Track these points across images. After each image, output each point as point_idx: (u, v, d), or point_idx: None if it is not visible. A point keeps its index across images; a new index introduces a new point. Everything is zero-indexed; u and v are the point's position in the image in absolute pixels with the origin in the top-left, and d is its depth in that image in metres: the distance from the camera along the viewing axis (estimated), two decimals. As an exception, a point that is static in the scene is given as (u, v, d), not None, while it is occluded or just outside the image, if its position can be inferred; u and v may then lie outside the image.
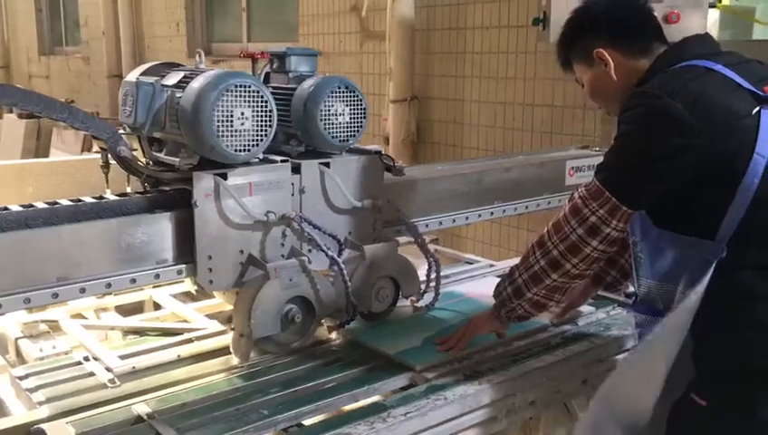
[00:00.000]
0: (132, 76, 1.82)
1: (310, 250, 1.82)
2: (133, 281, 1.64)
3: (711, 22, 3.27)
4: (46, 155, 7.53)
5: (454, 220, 2.27)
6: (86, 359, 1.78)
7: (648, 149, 1.46)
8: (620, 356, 1.92)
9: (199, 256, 1.67)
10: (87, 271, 1.58)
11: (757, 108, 1.41)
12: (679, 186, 1.45)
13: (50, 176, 3.84)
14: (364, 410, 1.59)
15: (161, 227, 1.66)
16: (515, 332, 1.92)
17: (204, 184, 1.64)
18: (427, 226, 2.18)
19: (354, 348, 1.87)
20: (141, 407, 1.55)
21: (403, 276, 1.97)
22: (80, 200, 1.65)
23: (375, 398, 1.66)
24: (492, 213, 2.39)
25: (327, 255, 1.78)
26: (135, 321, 2.08)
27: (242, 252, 1.74)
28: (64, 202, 1.64)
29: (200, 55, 1.81)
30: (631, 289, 2.16)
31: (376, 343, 1.87)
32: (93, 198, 1.67)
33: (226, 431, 1.46)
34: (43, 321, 2.02)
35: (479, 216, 2.35)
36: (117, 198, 1.68)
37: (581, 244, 1.56)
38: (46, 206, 1.59)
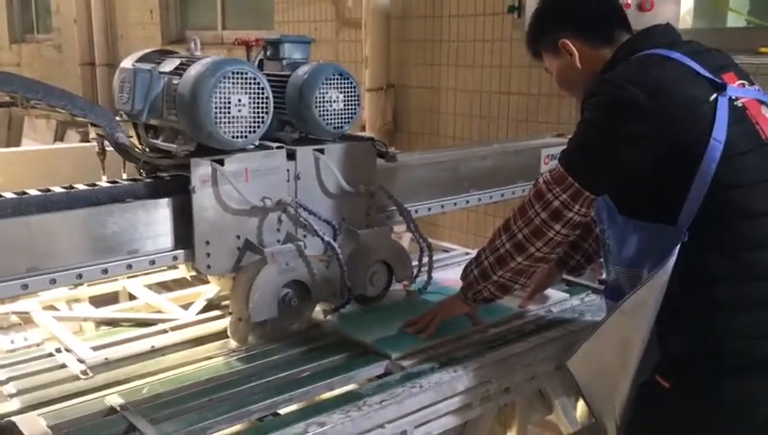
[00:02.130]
0: (127, 63, 1.82)
1: (305, 235, 1.84)
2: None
3: (686, 9, 3.29)
4: (18, 144, 7.40)
5: (429, 209, 2.27)
6: (58, 350, 1.77)
7: (609, 136, 1.49)
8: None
9: (197, 241, 1.68)
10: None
11: (714, 95, 1.44)
12: (641, 172, 1.48)
13: (20, 165, 3.78)
14: (339, 398, 1.59)
15: (159, 214, 1.66)
16: (491, 319, 1.94)
17: (201, 170, 1.66)
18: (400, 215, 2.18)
19: (331, 336, 1.87)
20: (114, 398, 1.54)
21: (396, 261, 2.01)
22: (72, 187, 1.64)
23: (351, 386, 1.66)
24: (467, 201, 2.39)
25: (323, 240, 1.80)
26: (108, 312, 2.05)
27: (239, 237, 1.75)
28: (80, 186, 1.64)
29: (195, 42, 1.81)
30: (604, 276, 2.20)
31: (352, 331, 1.87)
32: (88, 184, 1.66)
33: (200, 421, 1.46)
34: (14, 312, 1.99)
35: (455, 204, 2.35)
36: (112, 184, 1.69)
37: (545, 228, 1.59)
38: (40, 193, 1.59)
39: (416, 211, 2.22)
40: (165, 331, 1.88)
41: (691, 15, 3.40)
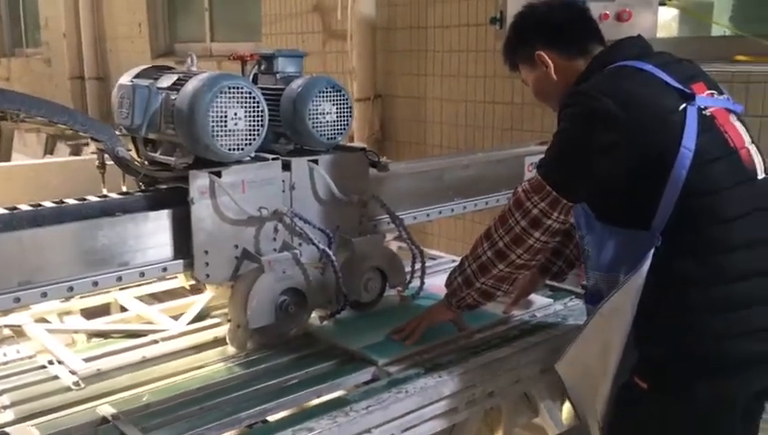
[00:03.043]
0: (125, 79, 1.88)
1: (300, 244, 1.89)
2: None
3: (671, 16, 3.36)
4: (8, 158, 7.40)
5: (415, 217, 2.31)
6: (50, 362, 1.80)
7: (584, 145, 1.54)
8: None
9: (196, 251, 1.73)
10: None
11: (684, 105, 1.50)
12: (615, 180, 1.53)
13: (10, 180, 3.80)
14: (327, 404, 1.62)
15: (160, 225, 1.71)
16: (476, 324, 1.98)
17: (199, 182, 1.71)
18: (389, 223, 2.22)
19: (317, 344, 1.90)
20: (106, 408, 1.57)
21: (390, 267, 2.06)
22: (63, 202, 1.69)
23: (338, 393, 1.69)
24: (452, 210, 2.43)
25: (318, 248, 1.84)
26: (99, 324, 2.08)
27: (236, 246, 1.80)
28: (70, 201, 1.69)
29: (192, 58, 1.86)
30: (586, 282, 2.25)
31: (339, 338, 1.91)
32: (78, 199, 1.71)
33: (190, 429, 1.49)
34: (6, 326, 2.02)
35: (440, 212, 2.40)
36: (102, 198, 1.74)
37: (525, 235, 1.63)
38: (31, 208, 1.63)
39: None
40: (156, 341, 1.92)
41: (676, 22, 3.47)
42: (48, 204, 1.68)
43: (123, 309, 2.26)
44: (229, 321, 1.84)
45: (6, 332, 2.02)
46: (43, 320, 2.11)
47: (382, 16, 4.18)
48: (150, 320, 2.11)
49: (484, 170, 2.51)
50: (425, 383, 1.70)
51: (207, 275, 1.76)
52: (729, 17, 3.37)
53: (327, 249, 1.84)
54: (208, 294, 2.18)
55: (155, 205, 1.72)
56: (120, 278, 1.69)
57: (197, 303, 2.16)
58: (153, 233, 1.70)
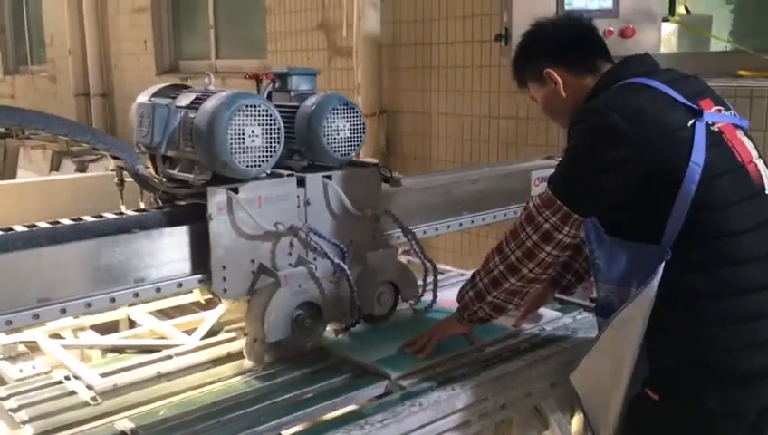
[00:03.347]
0: (144, 98, 1.92)
1: (315, 258, 1.92)
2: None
3: (670, 31, 3.39)
4: (13, 175, 7.44)
5: (424, 232, 2.33)
6: (67, 378, 1.81)
7: (594, 161, 1.57)
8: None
9: (214, 266, 1.76)
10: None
11: (692, 120, 1.53)
12: (624, 195, 1.56)
13: (21, 196, 3.83)
14: (342, 418, 1.64)
15: (178, 240, 1.74)
16: (487, 338, 2.00)
17: (218, 198, 1.74)
18: (398, 237, 2.25)
19: (330, 358, 1.92)
20: (124, 423, 1.59)
21: (402, 281, 2.09)
22: (100, 216, 1.73)
23: (352, 406, 1.71)
24: (461, 224, 2.46)
25: (333, 262, 1.87)
26: (114, 339, 2.10)
27: (253, 261, 1.83)
28: (88, 218, 1.72)
29: (209, 77, 1.90)
30: (595, 295, 2.26)
31: (351, 352, 1.93)
32: (95, 216, 1.75)
33: (209, 443, 1.51)
34: (21, 342, 2.04)
35: (448, 227, 2.42)
36: (135, 213, 1.78)
37: (536, 249, 1.65)
38: (49, 226, 1.66)
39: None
40: (170, 356, 1.93)
41: (676, 37, 3.50)
42: (66, 221, 1.71)
43: (132, 325, 2.28)
44: (246, 335, 1.86)
45: (21, 348, 2.04)
46: (57, 336, 2.14)
47: (387, 33, 4.23)
48: (163, 335, 2.13)
49: (491, 185, 2.53)
50: (438, 397, 1.72)
51: (225, 290, 1.79)
52: (729, 32, 3.42)
53: (342, 263, 1.87)
54: (219, 310, 2.21)
55: (173, 221, 1.75)
56: (136, 294, 1.72)
57: (209, 318, 2.18)
58: (171, 249, 1.73)
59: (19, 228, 1.64)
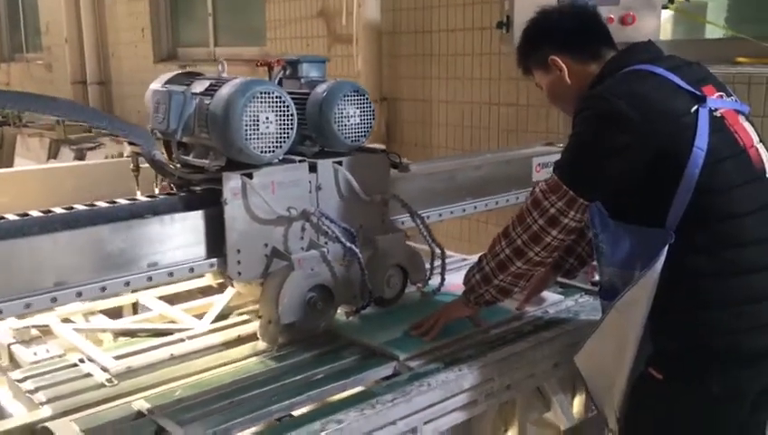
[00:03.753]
0: (157, 85, 1.95)
1: (326, 242, 1.95)
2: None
3: (666, 18, 3.42)
4: (10, 163, 7.43)
5: (428, 217, 2.36)
6: (81, 361, 1.85)
7: (599, 147, 1.60)
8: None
9: (229, 249, 1.80)
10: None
11: (695, 106, 1.56)
12: (629, 180, 1.59)
13: (23, 184, 3.85)
14: (353, 398, 1.68)
15: (195, 224, 1.78)
16: (491, 320, 2.04)
17: (232, 183, 1.77)
18: (403, 223, 2.28)
19: (339, 340, 1.96)
20: (141, 403, 1.63)
21: (411, 264, 2.13)
22: (114, 202, 1.77)
23: (362, 387, 1.75)
24: (464, 209, 2.49)
25: (345, 246, 1.91)
26: (125, 323, 2.14)
27: (266, 245, 1.87)
28: (102, 204, 1.76)
29: (222, 65, 1.93)
30: (597, 278, 2.31)
31: (359, 335, 1.97)
32: (128, 199, 1.79)
33: (225, 422, 1.55)
34: (34, 326, 2.07)
35: (452, 212, 2.45)
36: (150, 199, 1.82)
37: (543, 233, 1.69)
38: (65, 211, 1.69)
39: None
40: (182, 340, 1.97)
41: (671, 23, 3.53)
42: (81, 207, 1.74)
43: (135, 310, 2.31)
44: (260, 317, 1.90)
45: (34, 332, 2.07)
46: (68, 320, 2.17)
47: (387, 21, 4.25)
48: (173, 320, 2.16)
49: (493, 171, 2.56)
50: (446, 377, 1.76)
51: (239, 273, 1.82)
52: (724, 18, 3.45)
53: (354, 247, 1.91)
54: (228, 295, 2.24)
55: (189, 206, 1.79)
56: (150, 278, 1.75)
57: (218, 303, 2.22)
58: (186, 233, 1.76)
59: (35, 213, 1.67)
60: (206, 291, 2.38)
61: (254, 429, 1.57)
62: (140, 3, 6.84)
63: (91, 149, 6.77)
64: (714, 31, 3.37)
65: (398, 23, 4.25)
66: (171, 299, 2.38)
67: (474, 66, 3.88)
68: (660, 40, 3.14)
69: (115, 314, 2.32)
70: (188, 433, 1.51)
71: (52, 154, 6.95)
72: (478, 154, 3.13)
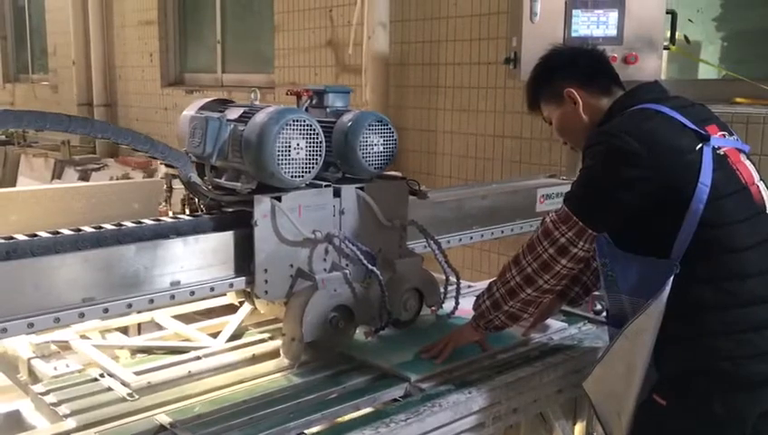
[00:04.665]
0: (191, 112, 2.06)
1: (347, 264, 2.03)
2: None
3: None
4: (13, 183, 7.48)
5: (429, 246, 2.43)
6: (102, 376, 1.90)
7: (609, 180, 1.69)
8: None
9: (257, 269, 1.88)
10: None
11: (700, 145, 1.66)
12: (637, 212, 1.67)
13: (33, 204, 3.91)
14: (368, 416, 1.74)
15: (226, 244, 1.86)
16: (498, 346, 2.11)
17: (263, 206, 1.87)
18: (413, 250, 2.35)
19: (350, 362, 2.02)
20: (162, 417, 1.68)
21: (427, 288, 2.21)
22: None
23: (374, 407, 1.81)
24: (471, 237, 2.57)
25: (368, 268, 1.99)
26: (142, 340, 2.19)
27: (291, 266, 1.95)
28: (129, 224, 1.82)
29: (255, 93, 2.03)
30: (599, 307, 2.38)
31: (371, 357, 2.03)
32: (134, 222, 1.85)
33: (245, 437, 1.60)
34: (53, 341, 2.12)
35: (460, 240, 2.53)
36: (185, 218, 1.90)
37: (552, 262, 1.77)
38: (93, 230, 1.76)
39: (424, 247, 2.40)
40: (198, 357, 2.03)
41: (665, 62, 3.64)
42: (109, 226, 1.80)
43: (139, 329, 2.36)
44: (283, 335, 1.97)
45: (53, 347, 2.12)
46: (84, 337, 2.22)
47: (395, 53, 4.37)
48: (188, 338, 2.22)
49: (499, 201, 2.65)
50: (456, 399, 1.82)
51: (266, 292, 1.90)
52: (718, 59, 3.56)
53: (375, 269, 1.98)
54: (241, 315, 2.31)
55: (220, 227, 1.87)
56: (173, 297, 1.81)
57: (232, 322, 2.28)
58: (217, 252, 1.84)
59: (66, 232, 1.74)
60: (213, 312, 2.44)
61: (272, 444, 1.62)
62: (150, 27, 6.96)
63: (95, 169, 6.85)
64: (707, 71, 3.48)
65: (405, 55, 4.36)
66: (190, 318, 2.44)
67: (479, 99, 3.98)
68: (661, 79, 3.25)
69: (123, 332, 2.37)
70: (210, 447, 1.57)
71: (57, 174, 7.01)
72: (485, 184, 3.21)
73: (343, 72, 4.75)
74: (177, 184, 2.07)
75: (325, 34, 4.91)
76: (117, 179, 6.01)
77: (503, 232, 2.66)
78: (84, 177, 6.65)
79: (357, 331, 2.08)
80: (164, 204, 2.16)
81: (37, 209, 3.85)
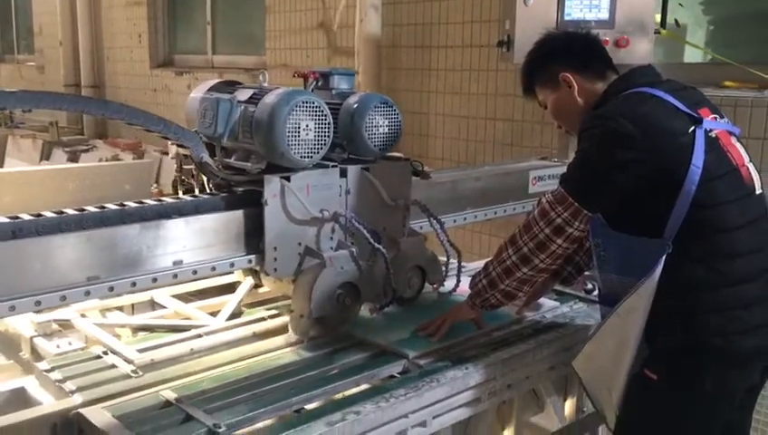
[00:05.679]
0: (199, 93, 2.09)
1: (352, 242, 2.07)
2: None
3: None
4: (1, 164, 7.44)
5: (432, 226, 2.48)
6: (105, 353, 1.93)
7: (604, 163, 1.73)
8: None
9: (267, 247, 1.92)
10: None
11: (693, 127, 1.70)
12: (631, 193, 1.72)
13: (25, 184, 3.91)
14: (368, 391, 1.79)
15: (236, 222, 1.90)
16: (493, 323, 2.16)
17: (273, 186, 1.91)
18: (421, 227, 2.38)
19: (350, 339, 2.06)
20: (168, 393, 1.72)
21: (429, 266, 2.26)
22: (124, 205, 1.85)
23: (374, 382, 1.86)
24: (465, 218, 2.61)
25: (374, 247, 2.03)
26: (144, 319, 2.22)
27: (299, 244, 1.99)
28: (149, 202, 1.86)
29: (264, 75, 2.07)
30: (589, 286, 2.44)
31: (369, 334, 2.07)
32: (174, 198, 1.91)
33: (249, 411, 1.64)
34: (55, 320, 2.15)
35: (454, 221, 2.57)
36: (194, 198, 1.94)
37: (548, 242, 1.82)
38: (96, 210, 1.78)
39: (420, 227, 2.44)
40: (199, 335, 2.06)
41: (652, 45, 3.67)
42: (112, 206, 1.83)
43: (133, 309, 2.38)
44: (291, 311, 2.01)
45: (54, 326, 2.15)
46: (84, 316, 2.25)
47: (387, 35, 4.38)
48: (188, 316, 2.25)
49: (492, 183, 2.69)
50: (454, 374, 1.87)
51: (275, 269, 1.95)
52: (705, 43, 3.61)
53: (381, 248, 2.02)
54: (240, 294, 2.34)
55: (231, 205, 1.91)
56: (175, 275, 1.84)
57: (231, 301, 2.31)
58: (229, 230, 1.89)
59: (70, 211, 1.76)
60: (206, 292, 2.48)
61: (276, 418, 1.66)
62: (139, 8, 6.91)
63: (84, 151, 6.82)
64: (693, 54, 3.52)
65: (398, 37, 4.38)
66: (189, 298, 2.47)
67: (471, 81, 4.01)
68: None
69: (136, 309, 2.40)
70: (216, 420, 1.60)
71: (45, 156, 6.98)
72: (478, 167, 3.25)
73: (335, 55, 4.76)
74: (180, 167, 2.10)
75: (317, 16, 4.91)
76: (106, 161, 6.00)
77: (495, 213, 2.71)
78: (73, 158, 6.63)
79: (362, 308, 2.13)
80: (156, 185, 2.20)
81: (30, 190, 3.87)
